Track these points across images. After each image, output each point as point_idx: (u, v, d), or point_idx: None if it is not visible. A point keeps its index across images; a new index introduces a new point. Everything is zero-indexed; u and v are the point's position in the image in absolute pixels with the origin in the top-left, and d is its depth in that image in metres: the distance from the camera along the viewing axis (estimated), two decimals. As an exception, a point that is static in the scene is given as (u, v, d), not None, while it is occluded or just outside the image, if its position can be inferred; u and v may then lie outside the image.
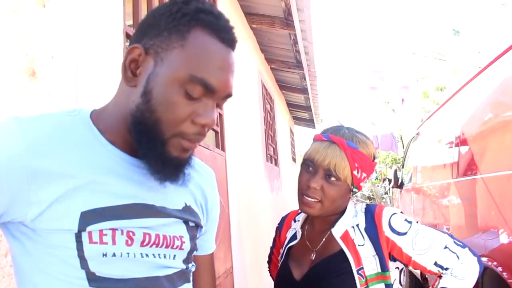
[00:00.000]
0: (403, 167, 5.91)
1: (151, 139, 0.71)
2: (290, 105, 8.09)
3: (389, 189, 8.82)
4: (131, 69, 0.73)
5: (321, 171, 1.22)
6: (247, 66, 3.90)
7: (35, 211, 0.67)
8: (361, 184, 1.26)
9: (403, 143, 9.05)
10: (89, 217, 0.68)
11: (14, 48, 1.09)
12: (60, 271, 0.69)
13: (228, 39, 0.73)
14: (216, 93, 0.72)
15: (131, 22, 1.64)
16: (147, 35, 0.72)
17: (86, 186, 0.69)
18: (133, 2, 1.60)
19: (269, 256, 1.57)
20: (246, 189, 3.30)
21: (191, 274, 0.88)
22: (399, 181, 5.75)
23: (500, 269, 2.23)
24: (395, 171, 5.85)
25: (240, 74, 3.49)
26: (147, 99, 0.70)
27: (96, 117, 0.77)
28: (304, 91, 6.51)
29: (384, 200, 12.47)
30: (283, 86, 6.62)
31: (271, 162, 5.17)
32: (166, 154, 0.72)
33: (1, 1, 1.10)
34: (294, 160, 9.01)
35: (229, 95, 0.75)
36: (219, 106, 0.76)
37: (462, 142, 3.10)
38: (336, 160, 1.20)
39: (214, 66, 0.71)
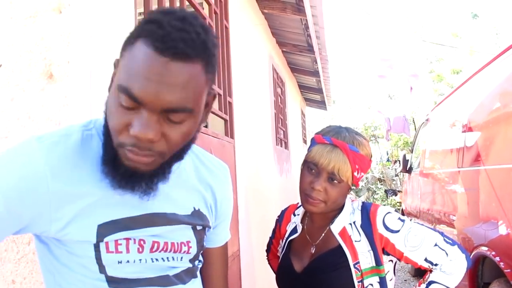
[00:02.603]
0: (412, 151, 5.94)
1: (105, 143, 0.75)
2: (302, 87, 8.09)
3: (399, 171, 8.85)
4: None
5: (324, 174, 1.29)
6: (258, 52, 3.93)
7: (57, 227, 0.74)
8: (359, 182, 1.34)
9: (415, 126, 9.02)
10: (105, 229, 0.76)
11: (33, 52, 1.16)
12: (82, 273, 0.77)
13: (162, 48, 0.66)
14: (146, 104, 0.67)
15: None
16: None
17: (101, 201, 0.76)
18: (144, 8, 1.66)
19: (268, 246, 1.67)
20: (254, 174, 3.38)
21: (198, 269, 0.95)
22: (408, 166, 5.78)
23: (497, 259, 2.30)
24: (404, 156, 5.88)
25: (250, 60, 3.53)
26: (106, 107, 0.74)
27: None
28: (315, 74, 6.51)
29: (394, 182, 12.49)
30: (294, 68, 6.62)
31: (281, 146, 5.23)
32: (116, 161, 0.73)
33: (20, 7, 1.17)
34: (304, 141, 9.05)
35: (170, 109, 0.68)
36: (171, 120, 0.70)
37: (468, 131, 3.13)
38: (340, 164, 1.27)
39: (139, 76, 0.66)
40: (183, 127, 0.71)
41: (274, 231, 1.61)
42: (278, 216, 1.59)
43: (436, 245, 1.28)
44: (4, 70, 1.16)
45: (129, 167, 0.72)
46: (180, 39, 0.67)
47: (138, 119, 0.68)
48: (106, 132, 0.74)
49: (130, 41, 0.70)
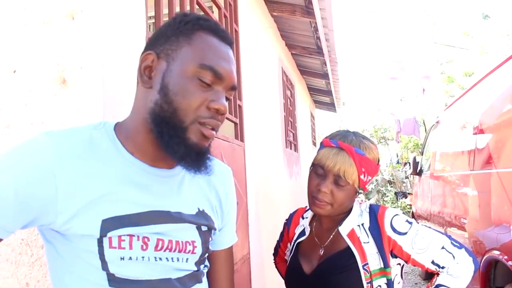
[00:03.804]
0: (422, 154, 5.89)
1: (172, 127, 0.78)
2: (311, 89, 8.09)
3: (410, 174, 8.80)
4: (146, 74, 0.82)
5: (330, 176, 1.30)
6: (267, 55, 3.94)
7: (63, 219, 0.75)
8: (366, 186, 1.34)
9: (425, 128, 8.96)
10: (109, 224, 0.76)
11: (46, 58, 1.18)
12: (85, 271, 0.78)
13: (227, 38, 0.85)
14: (224, 81, 0.81)
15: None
16: (156, 44, 0.83)
17: (107, 197, 0.77)
18: (155, 11, 1.67)
19: (275, 249, 1.67)
20: (264, 177, 3.38)
21: (204, 275, 0.95)
22: (418, 168, 5.74)
23: (510, 263, 2.27)
24: (414, 158, 5.84)
25: (260, 64, 3.53)
26: (164, 92, 0.78)
27: (119, 129, 0.85)
28: (325, 76, 6.51)
29: (404, 184, 12.40)
30: (304, 71, 6.62)
31: (291, 148, 5.23)
32: (187, 140, 0.78)
33: (34, 13, 1.19)
34: (314, 144, 9.04)
35: (234, 87, 0.84)
36: (227, 98, 0.84)
37: (480, 133, 3.11)
38: (345, 167, 1.28)
39: (219, 57, 0.81)
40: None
41: (282, 234, 1.61)
42: (286, 220, 1.59)
43: (443, 248, 1.28)
44: (17, 76, 1.18)
45: (196, 144, 0.79)
46: (228, 32, 0.86)
47: (218, 94, 0.81)
48: (170, 115, 0.78)
49: (183, 32, 0.81)
